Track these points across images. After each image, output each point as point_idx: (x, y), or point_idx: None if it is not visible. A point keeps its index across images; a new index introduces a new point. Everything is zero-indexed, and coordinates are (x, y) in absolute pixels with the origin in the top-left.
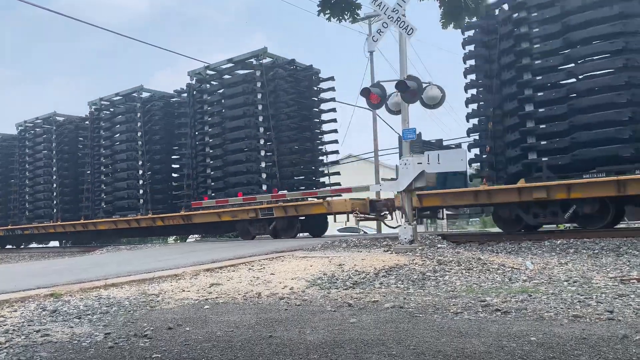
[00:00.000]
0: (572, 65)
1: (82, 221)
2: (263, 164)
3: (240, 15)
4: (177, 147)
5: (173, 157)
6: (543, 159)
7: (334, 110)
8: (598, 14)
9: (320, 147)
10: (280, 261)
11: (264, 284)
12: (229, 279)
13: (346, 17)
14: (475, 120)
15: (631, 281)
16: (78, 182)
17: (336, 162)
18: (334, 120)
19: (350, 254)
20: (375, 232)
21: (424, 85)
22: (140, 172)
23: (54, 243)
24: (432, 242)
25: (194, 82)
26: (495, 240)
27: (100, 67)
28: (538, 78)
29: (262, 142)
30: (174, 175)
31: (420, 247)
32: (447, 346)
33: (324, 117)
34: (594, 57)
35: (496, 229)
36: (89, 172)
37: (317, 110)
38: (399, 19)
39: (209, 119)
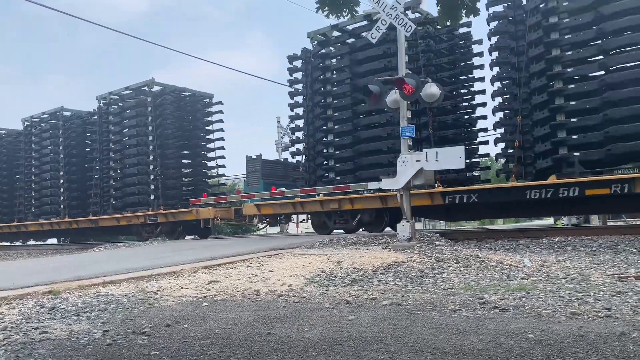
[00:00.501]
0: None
1: (14, 223)
2: (151, 177)
3: (240, 13)
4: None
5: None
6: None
7: (221, 130)
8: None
9: (208, 161)
10: (279, 259)
11: (263, 281)
12: (227, 277)
13: (344, 14)
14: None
15: (629, 278)
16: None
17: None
18: (222, 139)
19: (349, 251)
20: None
21: (423, 82)
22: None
23: (52, 240)
24: (430, 240)
25: (102, 104)
26: (493, 238)
27: (98, 65)
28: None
29: (151, 158)
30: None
31: (418, 245)
32: (445, 343)
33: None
34: (627, 49)
35: (494, 226)
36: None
37: (208, 129)
38: (397, 16)
39: (113, 137)
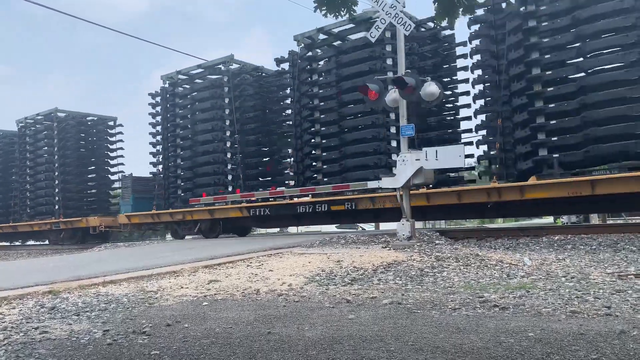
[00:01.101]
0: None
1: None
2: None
3: (239, 12)
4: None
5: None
6: (554, 155)
7: (121, 149)
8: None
9: (111, 175)
10: (279, 258)
11: (263, 280)
12: (227, 276)
13: (342, 14)
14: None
15: (629, 277)
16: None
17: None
18: (121, 156)
19: (349, 250)
20: (374, 229)
21: (423, 81)
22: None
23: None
24: (430, 239)
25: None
26: (493, 237)
27: (98, 66)
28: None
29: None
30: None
31: (418, 244)
32: (445, 342)
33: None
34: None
35: (494, 225)
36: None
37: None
38: (397, 15)
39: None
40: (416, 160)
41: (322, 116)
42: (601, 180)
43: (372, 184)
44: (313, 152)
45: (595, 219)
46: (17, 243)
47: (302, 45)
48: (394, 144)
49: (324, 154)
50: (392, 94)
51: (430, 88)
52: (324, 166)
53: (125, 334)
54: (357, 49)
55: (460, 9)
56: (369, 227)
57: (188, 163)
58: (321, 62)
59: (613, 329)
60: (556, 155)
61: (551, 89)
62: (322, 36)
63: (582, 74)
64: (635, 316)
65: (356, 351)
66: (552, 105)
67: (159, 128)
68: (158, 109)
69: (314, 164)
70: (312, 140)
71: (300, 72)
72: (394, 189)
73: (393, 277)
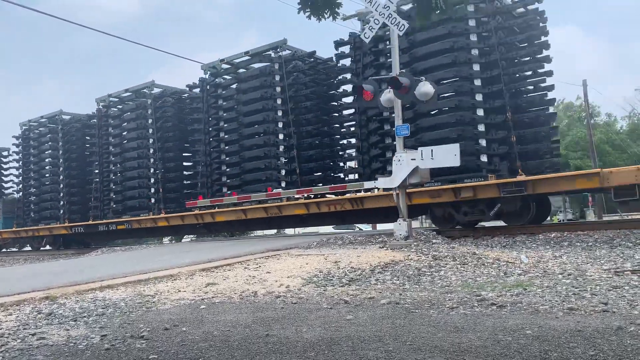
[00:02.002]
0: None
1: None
2: (282, 160)
3: (234, 13)
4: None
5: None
6: (228, 181)
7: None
8: None
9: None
10: (276, 259)
11: (260, 282)
12: (224, 278)
13: (326, 16)
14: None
15: (625, 273)
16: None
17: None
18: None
19: (346, 251)
20: (371, 229)
21: (417, 81)
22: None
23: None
24: (427, 238)
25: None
26: (490, 235)
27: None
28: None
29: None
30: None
31: (415, 243)
32: (443, 341)
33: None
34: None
35: (494, 223)
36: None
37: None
38: (390, 16)
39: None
40: (412, 160)
41: (226, 136)
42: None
43: (368, 184)
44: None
45: (591, 216)
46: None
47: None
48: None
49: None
50: (387, 94)
51: (425, 88)
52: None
53: (123, 339)
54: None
55: (437, 12)
56: (366, 227)
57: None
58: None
59: (610, 326)
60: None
61: (227, 136)
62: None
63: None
64: (632, 312)
65: (355, 352)
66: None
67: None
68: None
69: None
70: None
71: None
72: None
73: (390, 277)
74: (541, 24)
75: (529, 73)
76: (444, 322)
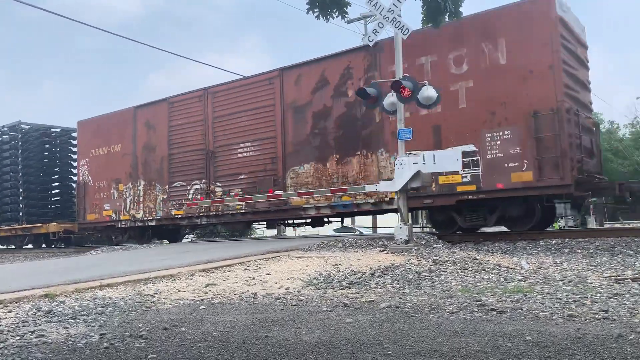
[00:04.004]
0: None
1: None
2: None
3: (235, 15)
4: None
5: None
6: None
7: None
8: None
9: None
10: (276, 261)
11: (260, 284)
12: (224, 279)
13: (334, 16)
14: None
15: (626, 280)
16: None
17: None
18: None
19: (346, 253)
20: (371, 232)
21: (420, 85)
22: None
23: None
24: (428, 242)
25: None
26: (490, 240)
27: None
28: None
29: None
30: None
31: (415, 247)
32: (443, 346)
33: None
34: None
35: (490, 229)
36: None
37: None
38: (394, 19)
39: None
40: (414, 164)
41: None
42: None
43: (369, 188)
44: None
45: (592, 223)
46: None
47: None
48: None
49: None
50: (390, 98)
51: (428, 92)
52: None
53: (122, 338)
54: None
55: (447, 15)
56: (367, 230)
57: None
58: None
59: (610, 333)
60: None
61: None
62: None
63: None
64: (633, 320)
65: (354, 355)
66: None
67: None
68: None
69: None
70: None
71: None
72: None
73: (391, 280)
74: None
75: None
76: (443, 327)
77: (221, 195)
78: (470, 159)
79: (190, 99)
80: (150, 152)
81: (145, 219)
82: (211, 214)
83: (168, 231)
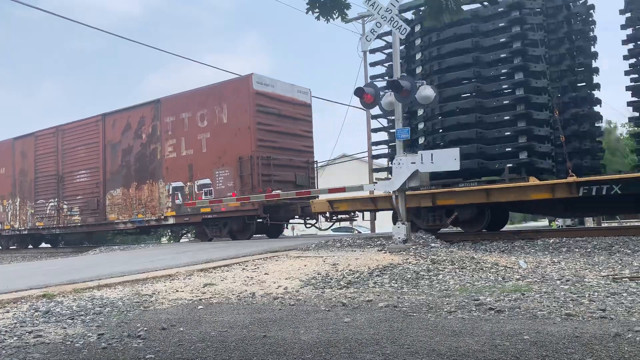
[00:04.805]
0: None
1: None
2: None
3: (233, 16)
4: None
5: None
6: None
7: None
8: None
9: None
10: (275, 261)
11: (258, 283)
12: (222, 279)
13: (334, 16)
14: None
15: (623, 279)
16: None
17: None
18: None
19: (344, 253)
20: (369, 232)
21: (418, 84)
22: None
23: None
24: (426, 242)
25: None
26: (488, 239)
27: (91, 70)
28: None
29: None
30: None
31: (413, 247)
32: (441, 345)
33: None
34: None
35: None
36: None
37: None
38: (392, 19)
39: None
40: (412, 163)
41: None
42: None
43: (368, 187)
44: None
45: (590, 222)
46: None
47: None
48: None
49: None
50: (388, 97)
51: (425, 91)
52: None
53: (120, 338)
54: None
55: (447, 13)
56: (365, 230)
57: None
58: None
59: (608, 332)
60: None
61: None
62: None
63: None
64: (630, 319)
65: (352, 354)
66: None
67: None
68: None
69: None
70: None
71: None
72: None
73: (389, 280)
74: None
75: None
76: (441, 326)
77: (67, 212)
78: (207, 189)
79: (47, 134)
80: (24, 175)
81: (20, 228)
82: (61, 225)
83: (46, 239)
